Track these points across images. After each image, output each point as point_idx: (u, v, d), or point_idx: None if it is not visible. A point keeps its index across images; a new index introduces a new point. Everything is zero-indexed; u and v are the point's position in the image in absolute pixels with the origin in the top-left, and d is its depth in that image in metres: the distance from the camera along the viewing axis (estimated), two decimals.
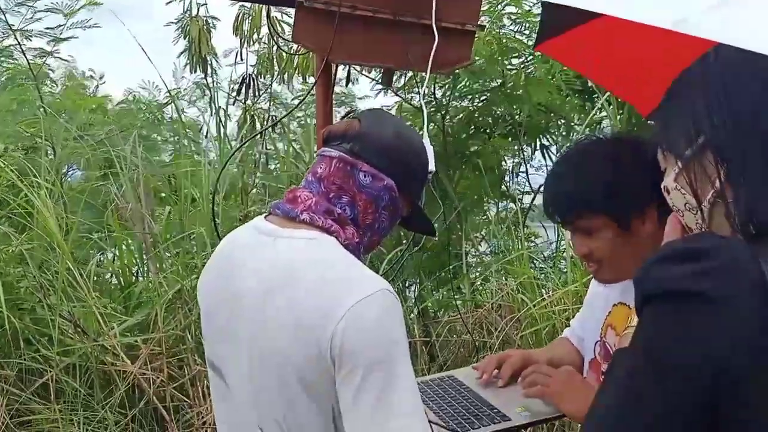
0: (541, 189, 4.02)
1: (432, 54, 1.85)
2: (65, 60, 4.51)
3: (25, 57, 4.14)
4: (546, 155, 3.87)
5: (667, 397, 0.72)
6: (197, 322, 3.05)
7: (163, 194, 4.21)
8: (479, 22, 2.09)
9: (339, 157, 1.20)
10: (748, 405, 0.69)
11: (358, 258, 1.17)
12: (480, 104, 3.71)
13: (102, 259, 3.94)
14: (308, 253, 1.13)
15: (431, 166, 1.50)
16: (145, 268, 3.63)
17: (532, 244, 3.98)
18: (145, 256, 3.60)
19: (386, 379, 1.01)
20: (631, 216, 1.32)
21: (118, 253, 3.75)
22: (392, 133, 1.24)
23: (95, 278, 3.49)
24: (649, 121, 2.06)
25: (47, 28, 4.12)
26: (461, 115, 3.74)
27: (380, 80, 2.11)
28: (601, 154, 1.34)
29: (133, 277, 3.73)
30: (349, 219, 1.19)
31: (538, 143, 3.87)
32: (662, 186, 0.89)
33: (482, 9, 3.44)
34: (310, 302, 1.06)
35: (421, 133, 1.75)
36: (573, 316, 1.79)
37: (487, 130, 3.84)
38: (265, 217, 1.25)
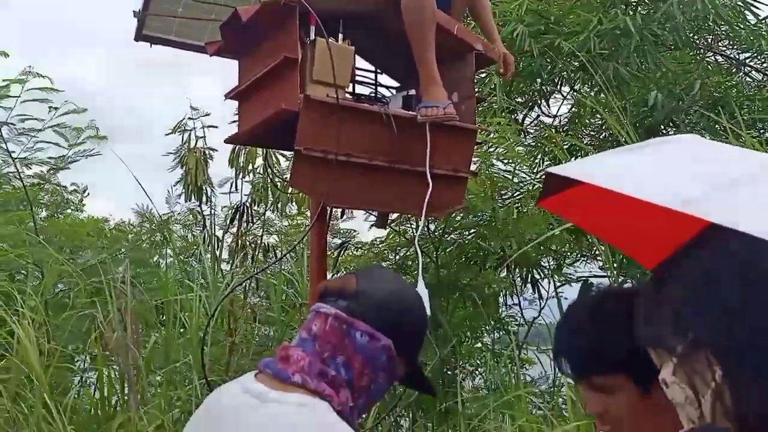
0: (535, 322, 4.00)
1: (426, 200, 1.89)
2: (62, 187, 4.60)
3: (23, 184, 4.20)
4: (538, 289, 3.86)
5: None
6: None
7: (153, 320, 4.13)
8: (470, 168, 2.16)
9: (335, 315, 1.17)
10: None
11: (351, 424, 1.12)
12: (471, 238, 3.74)
13: (81, 390, 3.78)
14: (296, 423, 1.07)
15: (427, 311, 1.46)
16: (126, 400, 3.48)
17: (529, 380, 3.87)
18: (126, 389, 3.46)
19: None
20: (653, 378, 1.25)
21: (99, 385, 3.61)
22: (390, 293, 1.22)
23: (72, 411, 3.34)
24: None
25: (49, 158, 4.23)
26: (453, 248, 3.77)
27: (375, 222, 2.14)
28: (623, 309, 1.30)
29: (113, 410, 3.57)
30: (344, 381, 1.15)
31: (529, 277, 3.87)
32: (660, 379, 0.87)
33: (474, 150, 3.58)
34: None
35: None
36: None
37: (479, 263, 3.85)
38: (255, 374, 1.21)
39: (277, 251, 4.33)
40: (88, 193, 4.76)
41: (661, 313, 0.84)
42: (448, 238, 3.74)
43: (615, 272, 3.16)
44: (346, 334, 1.16)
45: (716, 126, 3.62)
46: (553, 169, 1.01)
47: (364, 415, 1.26)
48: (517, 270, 3.87)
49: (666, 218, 1.02)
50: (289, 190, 4.36)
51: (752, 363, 0.75)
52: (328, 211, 2.15)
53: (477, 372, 4.05)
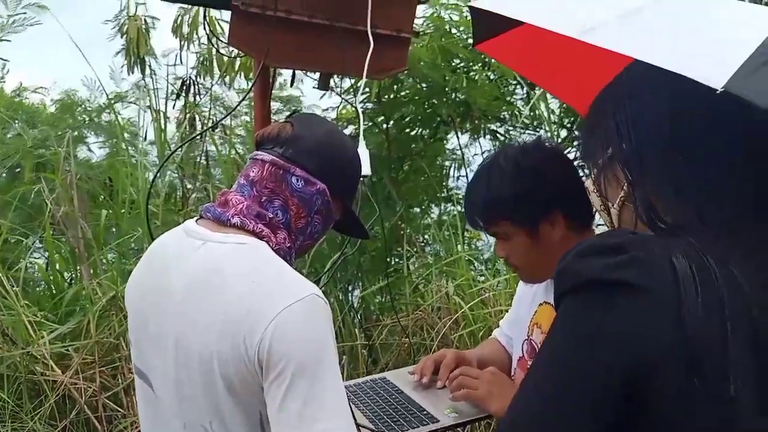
0: None
1: (367, 60, 1.87)
2: (4, 60, 4.31)
3: None
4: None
5: (584, 383, 0.74)
6: None
7: (101, 197, 4.08)
8: (414, 29, 2.13)
9: (271, 161, 1.20)
10: (663, 396, 0.72)
11: (288, 262, 1.17)
12: (423, 107, 3.75)
13: (33, 265, 3.79)
14: (237, 257, 1.12)
15: (365, 170, 1.51)
16: (78, 274, 3.52)
17: (473, 248, 4.05)
18: (78, 262, 3.48)
19: (313, 383, 1.01)
20: (539, 222, 1.37)
21: (50, 259, 3.63)
22: (325, 138, 1.25)
23: (25, 285, 3.36)
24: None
25: None
26: (403, 116, 3.78)
27: (317, 84, 2.12)
28: (505, 165, 1.39)
29: (66, 284, 3.61)
30: (281, 223, 1.19)
31: (480, 148, 3.95)
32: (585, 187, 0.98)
33: (426, 16, 3.50)
34: (237, 306, 1.06)
35: (357, 135, 1.76)
36: None
37: (429, 132, 3.89)
38: (196, 220, 1.24)
39: (226, 125, 4.26)
40: (8, 70, 4.47)
41: (594, 134, 0.92)
42: (400, 108, 3.74)
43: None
44: (282, 179, 1.20)
45: None
46: (474, 3, 1.03)
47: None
48: (471, 135, 3.93)
49: (599, 61, 1.06)
50: (236, 61, 4.22)
51: (654, 175, 0.83)
52: (271, 73, 2.11)
53: (426, 246, 4.21)
